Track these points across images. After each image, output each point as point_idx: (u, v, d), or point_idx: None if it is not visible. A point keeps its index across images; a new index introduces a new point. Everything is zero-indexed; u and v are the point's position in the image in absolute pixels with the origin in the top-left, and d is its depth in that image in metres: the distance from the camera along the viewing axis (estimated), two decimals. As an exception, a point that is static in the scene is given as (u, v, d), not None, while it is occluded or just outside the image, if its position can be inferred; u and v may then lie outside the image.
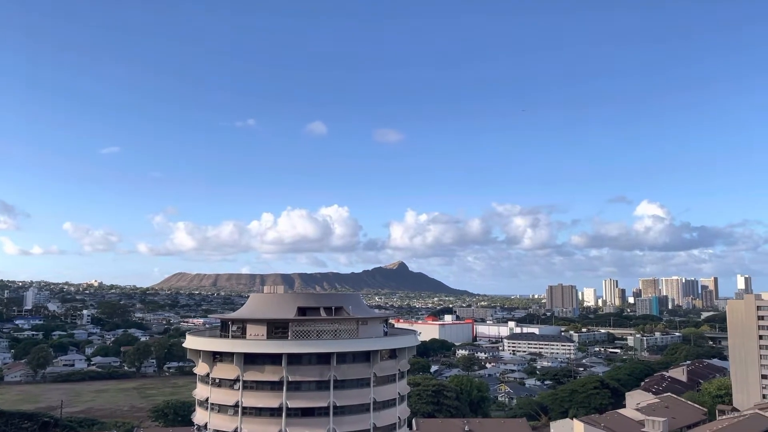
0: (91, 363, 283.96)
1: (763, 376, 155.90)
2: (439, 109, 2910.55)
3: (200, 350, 72.28)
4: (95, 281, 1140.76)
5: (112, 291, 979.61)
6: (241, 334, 72.38)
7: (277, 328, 70.96)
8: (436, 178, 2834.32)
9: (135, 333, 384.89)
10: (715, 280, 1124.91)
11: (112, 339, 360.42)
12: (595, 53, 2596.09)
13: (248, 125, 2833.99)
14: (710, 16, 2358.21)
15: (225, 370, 70.09)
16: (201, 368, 73.40)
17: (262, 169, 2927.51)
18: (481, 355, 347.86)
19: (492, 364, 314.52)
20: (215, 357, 71.46)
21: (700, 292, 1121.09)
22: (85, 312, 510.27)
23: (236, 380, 68.83)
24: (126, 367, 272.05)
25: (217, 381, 70.89)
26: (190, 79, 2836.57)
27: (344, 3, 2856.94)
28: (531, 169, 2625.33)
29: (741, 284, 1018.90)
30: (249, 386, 68.61)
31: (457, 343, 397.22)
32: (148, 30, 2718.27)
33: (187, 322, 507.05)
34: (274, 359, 67.81)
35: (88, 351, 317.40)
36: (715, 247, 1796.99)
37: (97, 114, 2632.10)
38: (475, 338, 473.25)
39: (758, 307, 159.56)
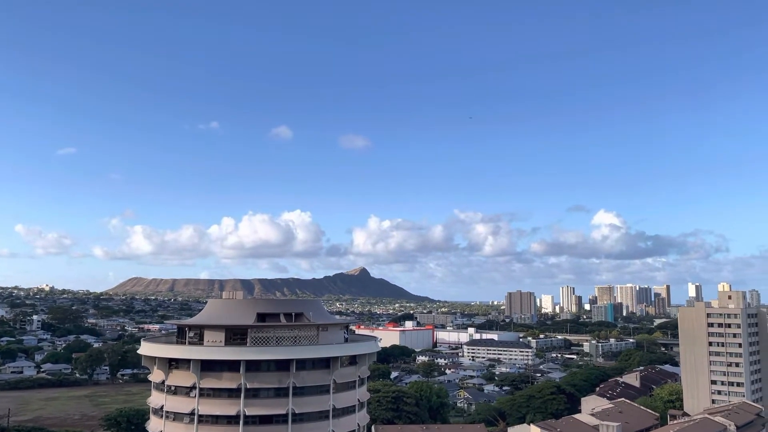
0: (41, 370, 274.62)
1: (713, 382, 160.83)
2: (406, 116, 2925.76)
3: (156, 357, 70.84)
4: (47, 285, 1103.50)
5: (65, 296, 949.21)
6: (199, 341, 71.20)
7: (235, 335, 70.07)
8: (401, 184, 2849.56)
9: (88, 339, 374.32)
10: (668, 287, 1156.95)
11: (64, 345, 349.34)
12: (554, 65, 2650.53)
13: (211, 128, 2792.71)
14: (657, 28, 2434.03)
15: (181, 377, 68.81)
16: (156, 375, 71.88)
17: (224, 172, 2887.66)
18: (441, 361, 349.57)
19: (452, 370, 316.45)
20: (171, 364, 70.12)
21: (653, 299, 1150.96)
22: (35, 317, 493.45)
23: (192, 387, 67.64)
24: (78, 375, 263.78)
25: (173, 388, 69.56)
26: (153, 82, 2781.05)
27: (313, 9, 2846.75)
28: (493, 177, 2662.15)
29: (692, 292, 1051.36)
30: (206, 393, 67.51)
31: (417, 350, 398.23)
32: (108, 32, 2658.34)
33: (142, 328, 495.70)
34: (231, 366, 66.90)
35: (38, 357, 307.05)
36: (669, 255, 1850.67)
37: (54, 115, 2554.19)
38: (435, 344, 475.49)
39: (708, 315, 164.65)
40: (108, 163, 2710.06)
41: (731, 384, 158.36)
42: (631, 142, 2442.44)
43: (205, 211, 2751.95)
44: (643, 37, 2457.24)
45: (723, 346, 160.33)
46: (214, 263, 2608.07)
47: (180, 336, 75.37)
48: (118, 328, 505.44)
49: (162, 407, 69.84)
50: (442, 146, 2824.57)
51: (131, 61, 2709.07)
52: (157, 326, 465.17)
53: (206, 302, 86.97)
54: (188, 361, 67.79)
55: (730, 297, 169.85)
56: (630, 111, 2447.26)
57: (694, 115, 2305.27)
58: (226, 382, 66.96)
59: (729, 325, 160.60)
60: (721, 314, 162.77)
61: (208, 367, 67.44)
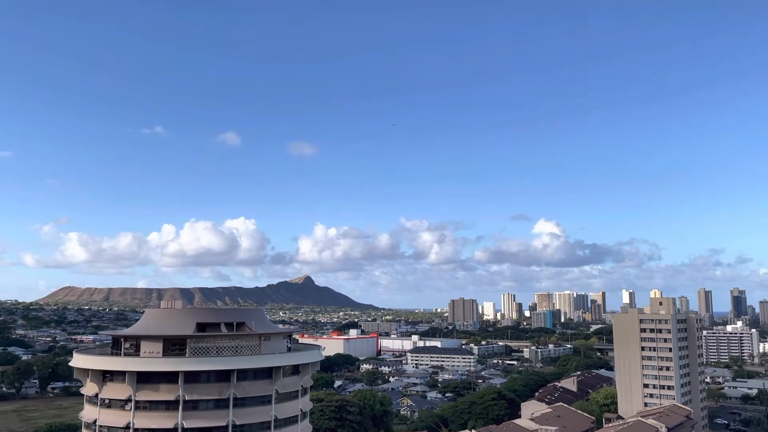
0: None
1: (645, 385, 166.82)
2: (355, 123, 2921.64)
3: (89, 369, 68.42)
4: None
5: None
6: (135, 352, 69.13)
7: (173, 345, 68.37)
8: (349, 192, 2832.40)
9: (16, 351, 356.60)
10: (603, 294, 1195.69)
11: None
12: (497, 76, 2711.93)
13: (155, 132, 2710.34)
14: (602, 42, 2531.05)
15: (116, 390, 66.61)
16: (89, 388, 69.36)
17: (166, 178, 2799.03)
18: (385, 369, 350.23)
19: (395, 377, 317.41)
20: (105, 376, 67.79)
21: (589, 306, 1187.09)
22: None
23: (128, 400, 65.59)
24: (4, 388, 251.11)
25: (107, 401, 67.25)
26: (96, 85, 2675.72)
27: (268, 12, 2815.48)
28: (440, 185, 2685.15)
29: (626, 299, 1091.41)
30: (142, 406, 65.55)
31: (361, 358, 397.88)
32: (46, 35, 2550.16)
33: (75, 339, 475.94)
34: (169, 377, 65.22)
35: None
36: (605, 263, 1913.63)
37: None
38: (379, 352, 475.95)
39: (640, 321, 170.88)
40: (44, 168, 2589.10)
41: (662, 387, 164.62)
42: (572, 153, 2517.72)
43: (145, 217, 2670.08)
44: (584, 52, 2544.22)
45: (654, 350, 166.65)
46: (153, 272, 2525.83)
47: (115, 347, 73.06)
48: (49, 339, 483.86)
49: (95, 421, 67.48)
50: (390, 155, 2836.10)
51: (73, 63, 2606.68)
52: (90, 337, 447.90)
53: (143, 312, 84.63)
54: (123, 373, 65.78)
55: (661, 303, 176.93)
56: (571, 124, 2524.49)
57: (631, 130, 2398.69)
58: (164, 394, 65.17)
59: (660, 331, 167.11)
60: (652, 320, 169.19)
61: (144, 379, 65.53)
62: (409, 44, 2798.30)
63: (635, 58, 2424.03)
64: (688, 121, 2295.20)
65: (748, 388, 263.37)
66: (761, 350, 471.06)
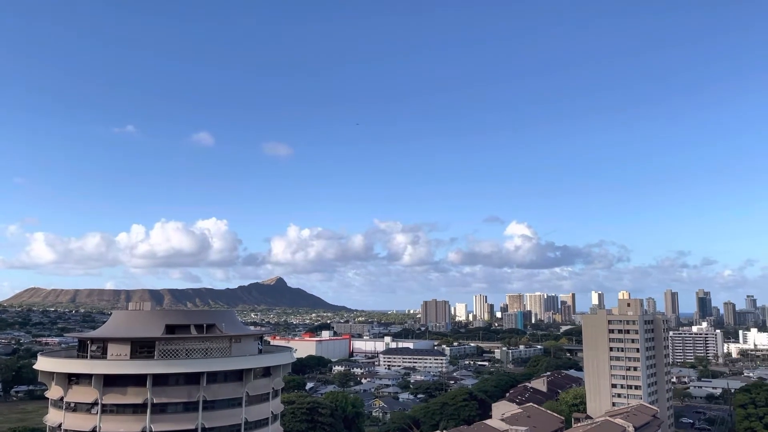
0: None
1: (613, 385, 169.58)
2: (329, 124, 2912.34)
3: (54, 372, 66.97)
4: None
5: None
6: (102, 354, 67.84)
7: (142, 347, 67.23)
8: (323, 193, 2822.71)
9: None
10: (573, 296, 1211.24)
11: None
12: (470, 82, 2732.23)
13: (127, 132, 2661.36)
14: (574, 48, 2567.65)
15: (82, 393, 65.28)
16: (54, 392, 67.82)
17: (137, 178, 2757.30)
18: (358, 371, 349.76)
19: (368, 379, 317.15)
20: (71, 379, 66.41)
21: (559, 307, 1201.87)
22: None
23: (94, 404, 64.34)
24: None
25: (73, 405, 65.87)
26: (63, 83, 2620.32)
27: (245, 11, 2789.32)
28: (415, 187, 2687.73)
29: (595, 300, 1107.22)
30: (108, 410, 64.34)
31: (333, 359, 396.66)
32: (19, 29, 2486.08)
33: (39, 341, 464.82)
34: (137, 380, 64.14)
35: None
36: (575, 265, 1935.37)
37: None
38: (352, 354, 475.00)
39: (609, 322, 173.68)
40: (12, 166, 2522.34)
41: (630, 387, 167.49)
42: (544, 156, 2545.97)
43: (115, 218, 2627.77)
44: (559, 58, 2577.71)
45: (622, 351, 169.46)
46: (121, 273, 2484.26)
47: (81, 349, 71.51)
48: (13, 341, 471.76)
49: (60, 425, 66.06)
50: (365, 156, 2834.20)
51: (44, 63, 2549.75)
52: (56, 339, 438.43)
53: (111, 314, 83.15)
54: (90, 376, 64.44)
55: (629, 305, 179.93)
56: (545, 129, 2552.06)
57: (601, 136, 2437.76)
58: (132, 397, 64.06)
59: (628, 332, 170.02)
60: (620, 321, 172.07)
61: (111, 382, 64.34)
62: (385, 49, 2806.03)
63: (606, 64, 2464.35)
64: (658, 127, 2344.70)
65: (713, 388, 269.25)
66: (725, 351, 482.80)
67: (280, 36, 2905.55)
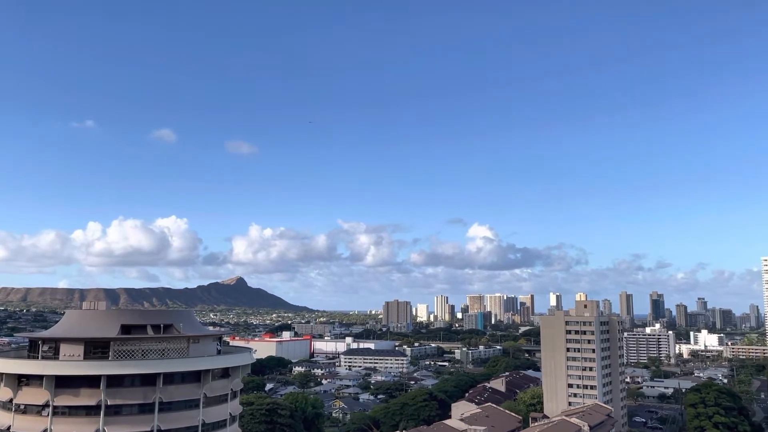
0: None
1: (570, 385, 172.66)
2: (293, 124, 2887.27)
3: (3, 373, 65.09)
4: None
5: None
6: (54, 355, 66.11)
7: (96, 348, 65.77)
8: (287, 193, 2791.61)
9: None
10: (532, 297, 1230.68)
11: None
12: (437, 87, 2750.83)
13: (86, 127, 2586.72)
14: (534, 63, 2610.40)
15: (32, 395, 63.54)
16: (3, 393, 65.88)
17: (95, 174, 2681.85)
18: (318, 372, 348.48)
19: (328, 380, 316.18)
20: (21, 380, 64.61)
21: (519, 308, 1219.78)
22: None
23: (45, 405, 62.75)
24: None
25: (22, 407, 64.06)
26: (18, 76, 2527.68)
27: (207, 8, 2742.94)
28: (379, 188, 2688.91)
29: (553, 301, 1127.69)
30: (60, 412, 62.78)
31: (294, 360, 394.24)
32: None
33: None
34: (91, 381, 62.76)
35: None
36: (535, 267, 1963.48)
37: None
38: (312, 354, 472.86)
39: (566, 323, 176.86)
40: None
41: (586, 387, 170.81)
42: (507, 160, 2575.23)
43: (71, 215, 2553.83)
44: (521, 69, 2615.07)
45: (579, 351, 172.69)
46: (76, 271, 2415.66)
47: (32, 350, 69.59)
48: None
49: (9, 428, 64.15)
50: (331, 156, 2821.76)
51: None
52: (5, 339, 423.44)
53: (64, 313, 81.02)
54: (41, 377, 62.76)
55: (585, 306, 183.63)
56: (507, 134, 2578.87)
57: (561, 140, 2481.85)
58: (85, 399, 62.60)
59: (584, 332, 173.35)
60: (577, 322, 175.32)
61: (64, 383, 62.76)
62: (349, 50, 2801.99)
63: (574, 72, 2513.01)
64: (616, 134, 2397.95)
65: (665, 388, 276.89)
66: (677, 351, 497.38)
67: (242, 34, 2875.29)
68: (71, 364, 64.00)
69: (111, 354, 65.44)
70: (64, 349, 66.02)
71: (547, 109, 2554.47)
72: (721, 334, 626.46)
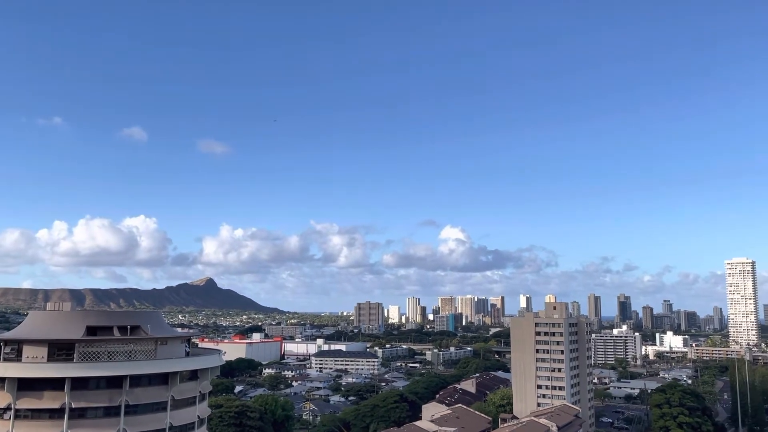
0: None
1: (539, 386, 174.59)
2: (266, 124, 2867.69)
3: (-38, 376, 62.79)
4: None
5: None
6: (16, 357, 64.56)
7: (60, 350, 64.37)
8: (259, 193, 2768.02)
9: None
10: (503, 299, 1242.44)
11: None
12: (412, 88, 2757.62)
13: (53, 123, 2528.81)
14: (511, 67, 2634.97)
15: (-7, 398, 61.59)
16: (-39, 397, 63.66)
17: (62, 172, 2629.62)
18: (289, 374, 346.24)
19: (299, 382, 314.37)
20: (-19, 384, 62.50)
21: (489, 309, 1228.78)
22: None
23: (7, 408, 61.22)
24: None
25: (-18, 411, 61.99)
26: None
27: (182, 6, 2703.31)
28: (352, 190, 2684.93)
29: (523, 303, 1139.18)
30: (23, 415, 61.32)
31: (264, 362, 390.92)
32: None
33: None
34: (55, 384, 61.39)
35: None
36: (506, 269, 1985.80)
37: None
38: (283, 356, 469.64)
39: (536, 324, 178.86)
40: None
41: (554, 388, 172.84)
42: (480, 162, 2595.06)
43: (36, 213, 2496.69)
44: (495, 72, 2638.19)
45: (548, 353, 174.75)
46: (40, 271, 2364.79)
47: (-7, 352, 67.58)
48: None
49: (-33, 433, 62.11)
50: (303, 157, 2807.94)
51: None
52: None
53: (27, 314, 79.09)
54: (3, 379, 61.20)
55: (555, 308, 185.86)
56: (480, 138, 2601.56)
57: (532, 142, 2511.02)
58: (48, 401, 61.18)
59: (553, 334, 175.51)
60: (547, 324, 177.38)
61: (26, 385, 61.28)
62: (318, 45, 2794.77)
63: (556, 75, 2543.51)
64: (585, 138, 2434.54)
65: (631, 389, 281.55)
66: (643, 353, 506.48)
67: (218, 33, 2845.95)
68: (34, 366, 62.56)
69: (76, 356, 64.08)
70: (27, 350, 64.48)
71: (520, 113, 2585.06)
72: (686, 336, 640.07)
